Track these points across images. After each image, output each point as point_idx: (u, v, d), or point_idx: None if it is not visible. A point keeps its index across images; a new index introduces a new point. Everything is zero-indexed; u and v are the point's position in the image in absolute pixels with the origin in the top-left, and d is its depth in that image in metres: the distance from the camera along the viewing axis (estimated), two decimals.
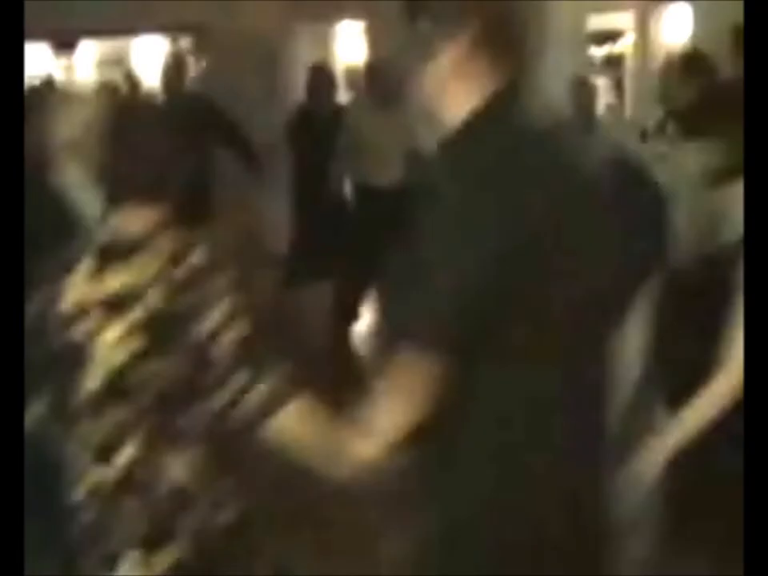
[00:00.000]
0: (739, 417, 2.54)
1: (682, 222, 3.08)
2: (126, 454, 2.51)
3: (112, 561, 2.56)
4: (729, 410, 2.64)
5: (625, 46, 9.50)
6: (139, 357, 2.47)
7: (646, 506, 2.72)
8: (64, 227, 3.29)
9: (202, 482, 2.56)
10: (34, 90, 5.70)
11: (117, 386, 2.49)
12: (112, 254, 2.55)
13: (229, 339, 2.46)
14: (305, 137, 7.89)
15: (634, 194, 2.65)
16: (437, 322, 2.22)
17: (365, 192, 7.72)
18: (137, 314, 2.47)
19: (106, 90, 5.72)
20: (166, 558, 2.54)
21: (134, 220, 2.60)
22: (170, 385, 2.47)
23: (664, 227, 2.80)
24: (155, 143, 2.64)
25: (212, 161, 7.64)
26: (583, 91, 6.85)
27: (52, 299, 2.57)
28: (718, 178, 2.87)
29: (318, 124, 7.83)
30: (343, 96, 10.24)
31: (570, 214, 2.27)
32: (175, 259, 2.52)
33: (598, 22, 9.02)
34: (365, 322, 7.95)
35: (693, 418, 2.64)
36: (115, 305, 2.49)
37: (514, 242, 2.18)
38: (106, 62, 11.54)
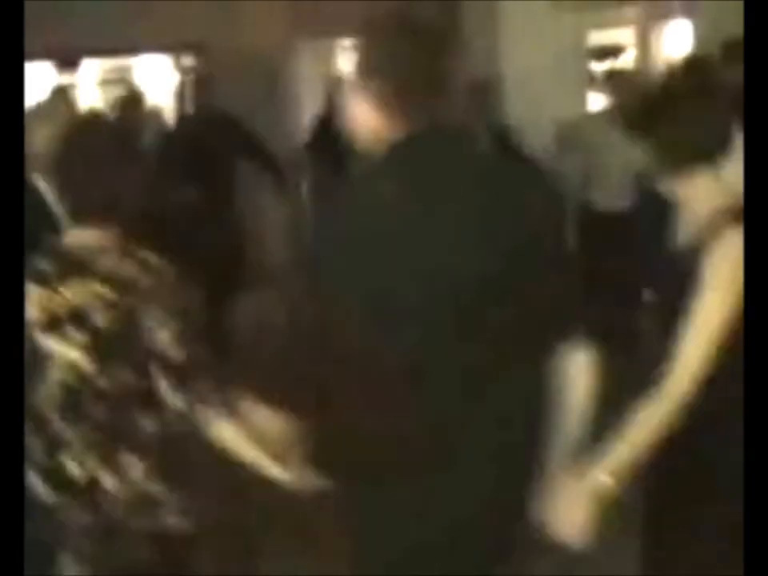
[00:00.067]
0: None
1: None
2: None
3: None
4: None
5: (626, 61, 9.54)
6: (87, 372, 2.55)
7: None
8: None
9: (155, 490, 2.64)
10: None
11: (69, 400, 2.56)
12: (67, 269, 2.59)
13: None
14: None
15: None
16: None
17: None
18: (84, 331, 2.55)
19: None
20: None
21: (86, 238, 2.65)
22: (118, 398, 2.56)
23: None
24: (108, 164, 2.67)
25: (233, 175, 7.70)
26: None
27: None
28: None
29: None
30: None
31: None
32: (120, 279, 2.59)
33: (599, 37, 9.05)
34: None
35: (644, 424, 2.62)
36: (70, 318, 2.55)
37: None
38: (109, 81, 11.56)
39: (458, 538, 2.42)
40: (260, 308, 6.18)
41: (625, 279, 6.20)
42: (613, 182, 6.71)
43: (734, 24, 4.70)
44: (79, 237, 2.68)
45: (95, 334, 2.55)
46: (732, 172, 2.76)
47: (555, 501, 2.52)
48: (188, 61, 10.80)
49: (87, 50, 10.37)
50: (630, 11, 9.01)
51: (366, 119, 2.40)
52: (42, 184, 3.95)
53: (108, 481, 2.59)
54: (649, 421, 2.59)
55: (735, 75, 4.48)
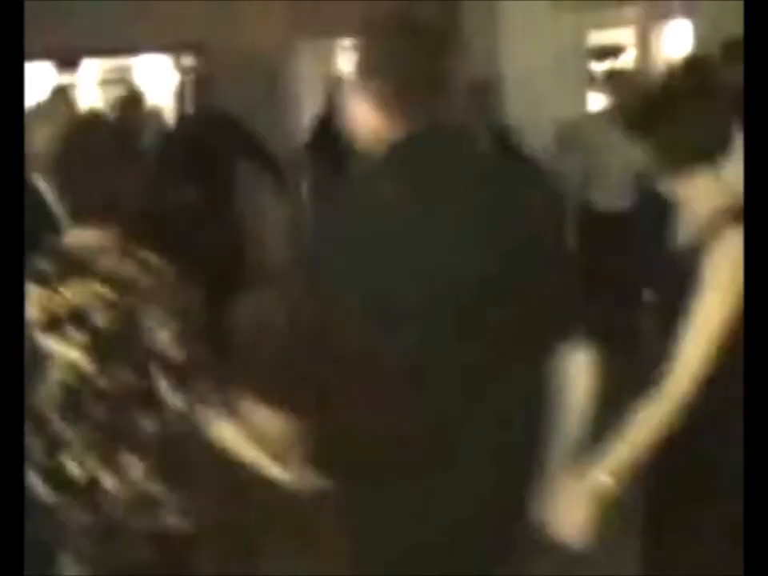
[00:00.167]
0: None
1: None
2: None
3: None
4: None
5: (626, 61, 9.54)
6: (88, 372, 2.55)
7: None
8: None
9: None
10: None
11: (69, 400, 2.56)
12: (67, 269, 2.59)
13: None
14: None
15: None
16: None
17: None
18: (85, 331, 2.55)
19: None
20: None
21: (86, 238, 2.65)
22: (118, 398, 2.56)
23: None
24: (108, 164, 2.67)
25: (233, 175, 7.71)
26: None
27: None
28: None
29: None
30: None
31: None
32: (120, 279, 2.59)
33: (599, 37, 9.05)
34: None
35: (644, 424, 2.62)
36: (70, 318, 2.55)
37: None
38: (109, 81, 11.57)
39: (458, 538, 2.42)
40: (260, 308, 6.18)
41: (625, 279, 6.20)
42: (613, 182, 6.71)
43: (734, 24, 4.70)
44: (79, 237, 2.68)
45: (95, 333, 2.55)
46: (732, 172, 2.76)
47: (555, 501, 2.52)
48: (188, 61, 10.80)
49: (87, 50, 10.37)
50: (630, 11, 9.01)
51: (366, 119, 2.40)
52: (42, 184, 3.95)
53: (108, 481, 2.59)
54: (649, 421, 2.59)
55: (735, 75, 4.48)
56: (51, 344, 2.55)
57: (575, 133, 7.03)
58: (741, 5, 2.93)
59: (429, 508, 2.40)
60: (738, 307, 2.55)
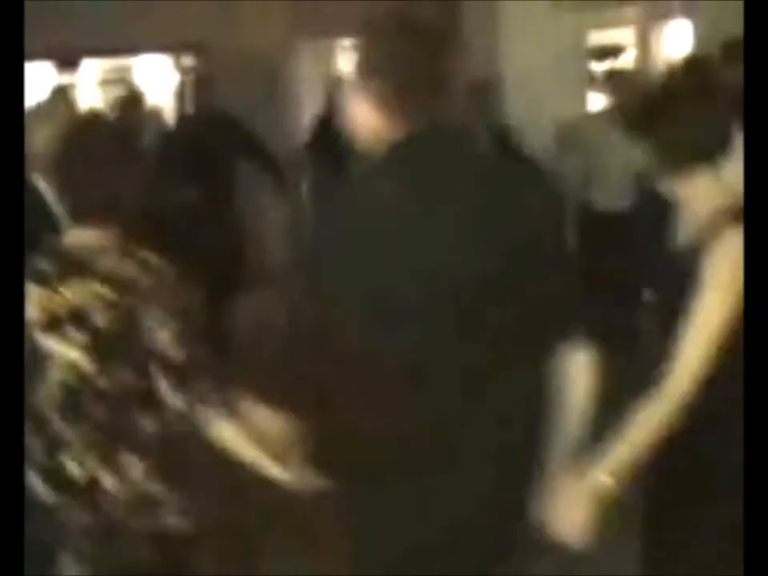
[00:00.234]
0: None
1: None
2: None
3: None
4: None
5: (626, 61, 9.54)
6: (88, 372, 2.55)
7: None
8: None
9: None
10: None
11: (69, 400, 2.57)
12: (67, 269, 2.59)
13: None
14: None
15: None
16: None
17: None
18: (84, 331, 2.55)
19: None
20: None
21: (86, 238, 2.65)
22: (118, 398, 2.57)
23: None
24: (108, 164, 2.67)
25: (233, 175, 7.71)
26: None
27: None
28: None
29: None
30: None
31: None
32: (120, 279, 2.59)
33: (599, 37, 9.05)
34: None
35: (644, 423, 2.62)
36: (70, 318, 2.56)
37: None
38: (109, 81, 11.57)
39: (458, 538, 2.42)
40: (260, 308, 6.18)
41: (625, 279, 6.20)
42: (613, 182, 6.71)
43: (734, 24, 4.70)
44: (79, 237, 2.68)
45: (95, 333, 2.55)
46: (732, 172, 2.76)
47: (555, 501, 2.52)
48: (188, 61, 10.80)
49: (87, 50, 10.37)
50: (630, 11, 9.01)
51: (366, 119, 2.40)
52: (42, 184, 3.95)
53: (108, 481, 2.59)
54: (649, 421, 2.59)
55: (735, 75, 4.48)
56: (51, 344, 2.55)
57: (575, 133, 7.04)
58: (741, 5, 2.93)
59: (429, 508, 2.40)
60: (737, 307, 2.55)
